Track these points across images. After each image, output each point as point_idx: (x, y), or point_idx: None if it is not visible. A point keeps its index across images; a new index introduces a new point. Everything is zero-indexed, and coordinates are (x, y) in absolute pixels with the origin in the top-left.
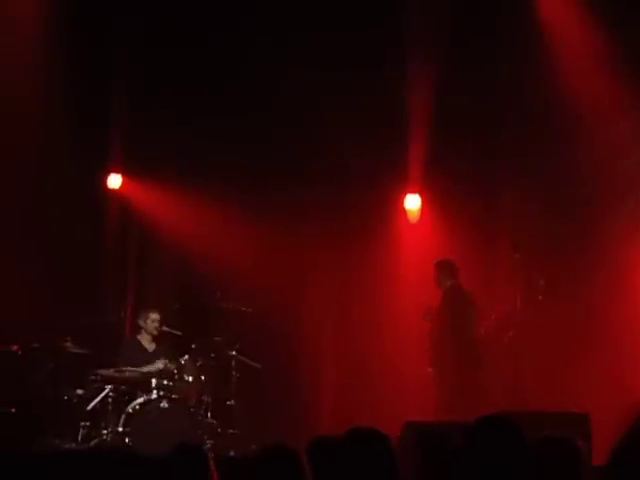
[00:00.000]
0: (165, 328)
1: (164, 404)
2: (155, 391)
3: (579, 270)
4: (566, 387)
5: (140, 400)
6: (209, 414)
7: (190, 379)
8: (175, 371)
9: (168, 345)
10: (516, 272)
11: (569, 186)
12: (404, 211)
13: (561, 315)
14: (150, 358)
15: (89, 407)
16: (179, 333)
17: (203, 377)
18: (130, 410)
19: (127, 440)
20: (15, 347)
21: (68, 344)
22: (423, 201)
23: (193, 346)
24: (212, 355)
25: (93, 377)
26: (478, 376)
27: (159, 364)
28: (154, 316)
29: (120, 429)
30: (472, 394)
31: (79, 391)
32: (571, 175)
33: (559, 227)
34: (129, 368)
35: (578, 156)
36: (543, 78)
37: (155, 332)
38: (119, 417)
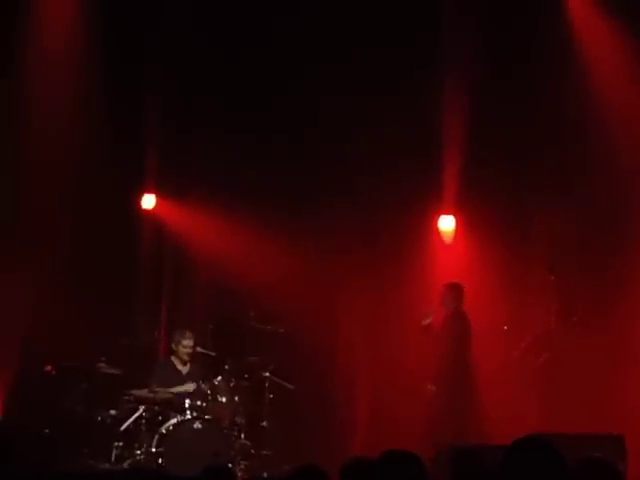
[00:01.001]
0: (199, 349)
1: (197, 425)
2: (188, 412)
3: (615, 291)
4: (601, 408)
5: (173, 421)
6: (242, 435)
7: (224, 400)
8: (208, 392)
9: (201, 366)
10: (551, 294)
11: (606, 206)
12: (438, 232)
13: (596, 336)
14: (183, 379)
15: (122, 427)
16: (213, 354)
17: (236, 398)
18: (163, 431)
19: (160, 461)
20: (49, 367)
21: (102, 365)
22: (457, 222)
23: (226, 367)
24: (245, 376)
25: (126, 397)
26: (473, 398)
27: (190, 386)
28: (186, 342)
29: (153, 450)
30: (469, 415)
31: (112, 411)
32: (610, 196)
33: (595, 248)
34: (162, 389)
35: (617, 179)
36: (578, 99)
37: (186, 358)
38: (152, 438)
